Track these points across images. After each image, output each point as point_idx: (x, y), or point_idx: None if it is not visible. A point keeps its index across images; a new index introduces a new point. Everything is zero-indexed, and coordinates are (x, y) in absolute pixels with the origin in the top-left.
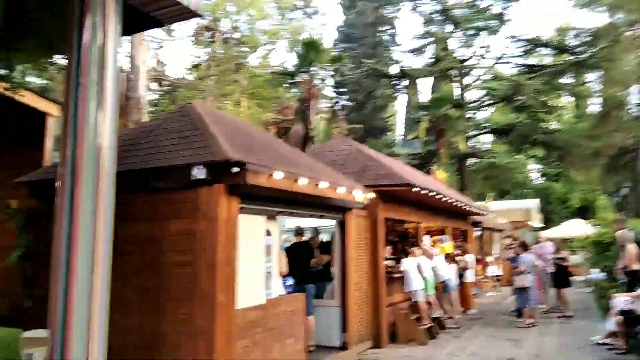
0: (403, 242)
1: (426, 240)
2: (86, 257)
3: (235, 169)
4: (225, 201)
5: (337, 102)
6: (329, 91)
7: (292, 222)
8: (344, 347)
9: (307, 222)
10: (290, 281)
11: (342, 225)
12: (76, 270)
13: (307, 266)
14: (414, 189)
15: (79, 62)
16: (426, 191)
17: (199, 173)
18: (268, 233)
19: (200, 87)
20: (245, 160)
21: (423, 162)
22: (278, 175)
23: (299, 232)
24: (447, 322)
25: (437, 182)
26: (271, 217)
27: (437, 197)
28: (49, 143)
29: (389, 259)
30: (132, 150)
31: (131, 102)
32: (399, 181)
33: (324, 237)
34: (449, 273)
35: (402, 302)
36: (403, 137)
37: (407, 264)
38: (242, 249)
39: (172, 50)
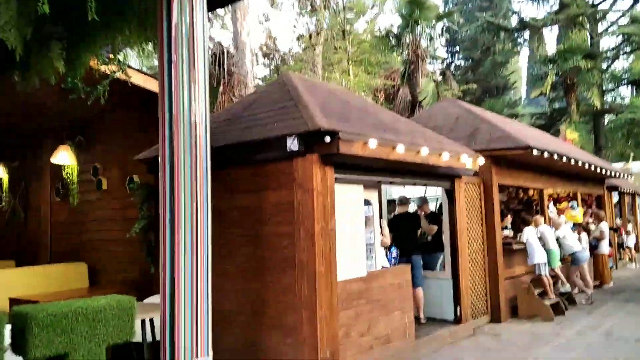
0: (527, 210)
1: (552, 207)
2: (188, 227)
3: (328, 139)
4: (320, 171)
5: (450, 63)
6: (441, 51)
7: (398, 191)
8: (457, 320)
9: (414, 191)
10: (394, 253)
11: (450, 193)
12: (179, 239)
13: (413, 237)
14: (533, 152)
15: (169, 40)
16: (548, 154)
17: (292, 144)
18: (367, 203)
19: (308, 57)
20: (338, 129)
21: (550, 122)
22: (373, 143)
23: (403, 201)
24: (577, 298)
25: (566, 143)
26: (370, 186)
27: (562, 160)
28: None
29: (509, 228)
30: (234, 124)
31: (236, 77)
32: (515, 144)
33: (433, 206)
34: (579, 244)
35: (523, 275)
36: (526, 95)
37: (529, 234)
38: (340, 219)
39: (279, 23)
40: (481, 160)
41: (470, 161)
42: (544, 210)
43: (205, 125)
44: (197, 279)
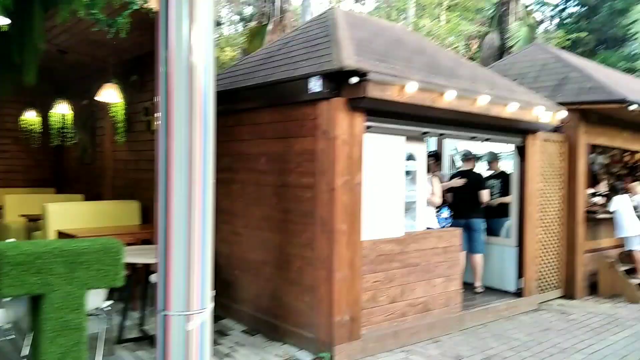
0: (634, 175)
1: None
2: (183, 171)
3: (354, 80)
4: (346, 118)
5: (563, 9)
6: None
7: (464, 146)
8: (519, 293)
9: (491, 147)
10: (445, 213)
11: (521, 150)
12: (174, 183)
13: (475, 198)
14: (631, 107)
15: None
16: None
17: (315, 85)
18: (411, 157)
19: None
20: (366, 69)
21: None
22: (412, 87)
23: (468, 157)
24: None
25: None
26: (416, 138)
27: None
28: None
29: (601, 195)
30: (267, 64)
31: (290, 16)
32: (608, 96)
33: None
34: None
35: (610, 248)
36: None
37: (618, 203)
38: (372, 173)
39: None
40: (562, 114)
41: (547, 115)
42: None
43: (209, 67)
44: (189, 225)
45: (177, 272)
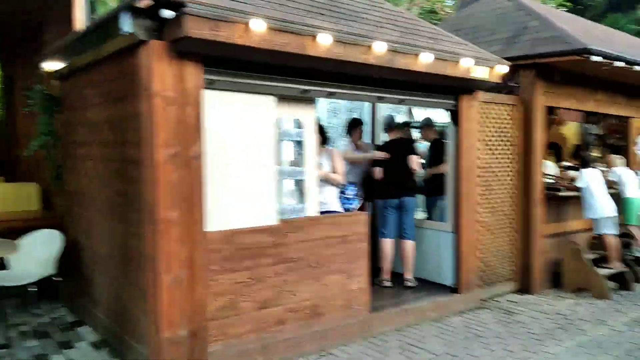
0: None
1: None
2: None
3: (167, 13)
4: (171, 68)
5: None
6: None
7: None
8: (454, 288)
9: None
10: (349, 193)
11: (454, 115)
12: None
13: (405, 172)
14: (594, 58)
15: None
16: (621, 63)
17: (124, 24)
18: (298, 125)
19: None
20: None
21: None
22: (258, 25)
23: (390, 125)
24: None
25: None
26: (302, 100)
27: None
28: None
29: (570, 167)
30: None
31: None
32: (566, 46)
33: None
34: None
35: (577, 232)
36: None
37: (587, 178)
38: (225, 143)
39: None
40: (503, 69)
41: (482, 70)
42: (629, 146)
43: None
44: None
45: None
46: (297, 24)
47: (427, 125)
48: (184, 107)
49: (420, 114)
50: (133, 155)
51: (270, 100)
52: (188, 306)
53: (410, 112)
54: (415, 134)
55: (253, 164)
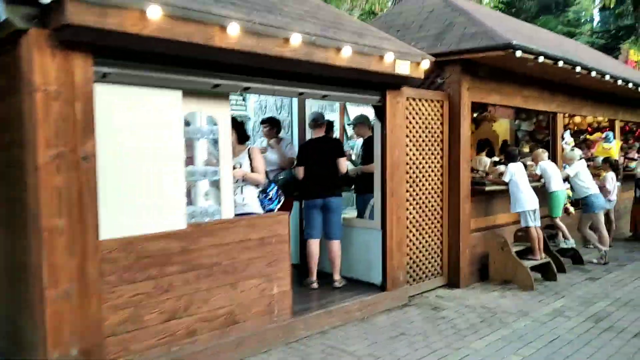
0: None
1: (567, 137)
2: None
3: None
4: (55, 60)
5: None
6: None
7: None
8: (382, 286)
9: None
10: (270, 194)
11: (380, 112)
12: None
13: (331, 172)
14: (517, 54)
15: None
16: (545, 58)
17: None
18: (213, 122)
19: None
20: None
21: (614, 42)
22: (154, 12)
23: (317, 122)
24: (589, 257)
25: (627, 65)
26: (216, 96)
27: (576, 69)
28: None
29: (498, 163)
30: None
31: None
32: (490, 42)
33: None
34: (595, 185)
35: (504, 226)
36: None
37: (513, 173)
38: (122, 142)
39: None
40: (426, 64)
41: (405, 65)
42: (556, 141)
43: None
44: None
45: None
46: (202, 12)
47: (360, 122)
48: (71, 102)
49: (355, 111)
50: (18, 157)
51: (175, 95)
52: (79, 322)
53: (345, 109)
54: (350, 131)
55: (157, 164)
